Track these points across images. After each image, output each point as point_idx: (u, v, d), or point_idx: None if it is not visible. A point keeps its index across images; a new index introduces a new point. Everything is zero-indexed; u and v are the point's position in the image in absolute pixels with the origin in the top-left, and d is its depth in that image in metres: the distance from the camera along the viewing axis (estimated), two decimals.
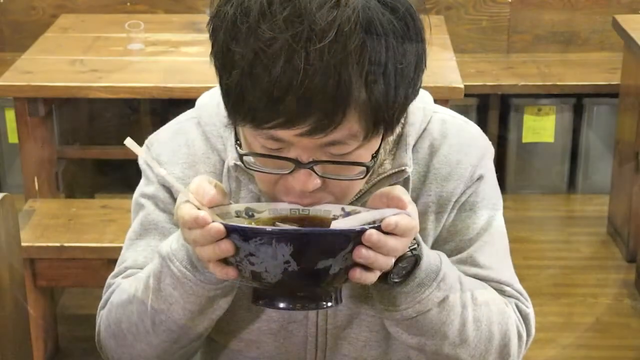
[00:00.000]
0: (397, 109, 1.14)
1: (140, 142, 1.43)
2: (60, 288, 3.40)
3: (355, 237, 1.11)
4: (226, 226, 1.11)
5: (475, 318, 1.30)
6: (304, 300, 1.16)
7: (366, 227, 1.12)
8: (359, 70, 1.08)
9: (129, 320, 1.32)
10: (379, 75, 1.10)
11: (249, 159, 1.20)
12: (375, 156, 1.19)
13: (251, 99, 1.10)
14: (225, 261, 1.14)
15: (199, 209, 1.14)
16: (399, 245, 1.14)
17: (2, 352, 1.79)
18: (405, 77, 1.13)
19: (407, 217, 1.14)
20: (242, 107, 1.11)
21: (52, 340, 3.11)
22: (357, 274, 1.14)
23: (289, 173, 1.16)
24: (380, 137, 1.17)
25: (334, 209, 1.22)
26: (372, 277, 1.15)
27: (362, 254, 1.12)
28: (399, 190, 1.18)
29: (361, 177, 1.19)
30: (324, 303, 1.17)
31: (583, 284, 3.59)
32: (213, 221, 1.11)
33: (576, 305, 3.45)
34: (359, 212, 1.20)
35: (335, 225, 1.17)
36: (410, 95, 1.16)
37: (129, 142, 1.15)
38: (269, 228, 1.12)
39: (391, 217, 1.13)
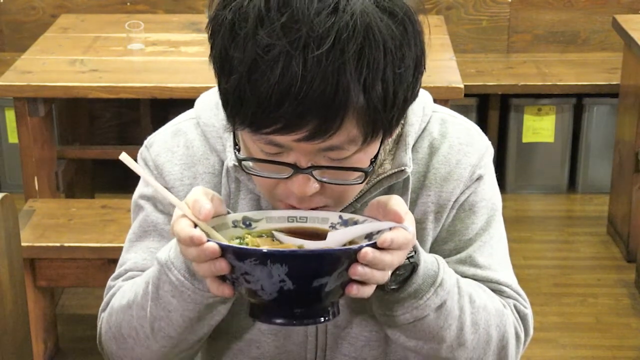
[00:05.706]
0: (395, 113, 1.14)
1: (140, 142, 1.44)
2: (60, 288, 3.40)
3: (350, 256, 1.11)
4: (221, 246, 1.11)
5: (473, 321, 1.30)
6: (301, 316, 1.16)
7: (362, 245, 1.11)
8: (357, 76, 1.08)
9: (129, 324, 1.32)
10: (377, 80, 1.09)
11: (248, 163, 1.20)
12: (373, 161, 1.18)
13: (250, 104, 1.10)
14: (222, 277, 1.15)
15: (195, 223, 1.14)
16: (395, 259, 1.14)
17: (2, 352, 1.79)
18: (404, 81, 1.13)
19: (402, 232, 1.14)
20: (240, 112, 1.11)
21: (52, 340, 3.11)
22: (354, 290, 1.14)
23: (287, 178, 1.17)
24: (379, 141, 1.17)
25: (332, 217, 1.22)
26: (369, 291, 1.15)
27: (358, 271, 1.11)
28: (395, 202, 1.17)
29: (359, 182, 1.19)
30: (322, 318, 1.17)
31: (583, 284, 3.59)
32: (208, 240, 1.11)
33: (576, 305, 3.45)
34: (356, 221, 1.20)
35: (331, 237, 1.17)
36: (410, 98, 1.16)
37: (124, 157, 1.15)
38: (264, 249, 1.12)
39: (387, 233, 1.12)
